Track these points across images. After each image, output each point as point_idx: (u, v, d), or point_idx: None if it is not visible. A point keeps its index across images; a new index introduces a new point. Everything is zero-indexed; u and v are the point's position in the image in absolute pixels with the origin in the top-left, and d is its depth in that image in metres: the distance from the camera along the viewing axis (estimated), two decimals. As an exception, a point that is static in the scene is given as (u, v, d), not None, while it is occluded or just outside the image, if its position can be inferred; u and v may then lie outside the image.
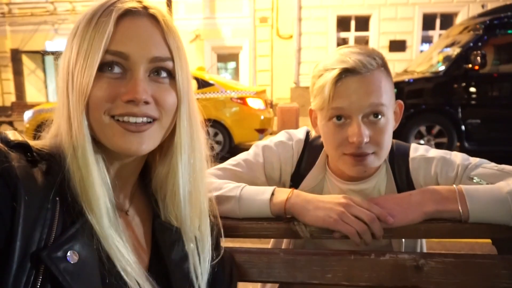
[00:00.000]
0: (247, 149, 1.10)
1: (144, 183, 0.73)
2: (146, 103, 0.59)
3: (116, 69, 0.59)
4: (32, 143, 0.58)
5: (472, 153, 0.97)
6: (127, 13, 0.59)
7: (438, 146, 5.34)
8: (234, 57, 12.61)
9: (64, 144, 0.58)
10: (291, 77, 11.43)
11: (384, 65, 0.91)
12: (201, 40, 12.00)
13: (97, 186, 0.57)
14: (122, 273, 0.58)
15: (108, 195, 0.59)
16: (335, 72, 0.87)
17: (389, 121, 0.91)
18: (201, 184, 0.69)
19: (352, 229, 0.80)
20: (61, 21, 12.63)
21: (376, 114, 0.88)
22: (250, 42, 11.93)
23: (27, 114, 6.80)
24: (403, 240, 0.98)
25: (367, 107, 0.87)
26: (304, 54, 11.28)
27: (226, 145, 6.17)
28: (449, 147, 5.36)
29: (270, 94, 11.12)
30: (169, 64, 0.61)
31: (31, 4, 12.71)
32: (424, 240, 1.05)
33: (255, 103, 6.28)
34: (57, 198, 0.54)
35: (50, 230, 0.52)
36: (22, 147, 0.56)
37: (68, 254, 0.52)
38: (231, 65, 13.07)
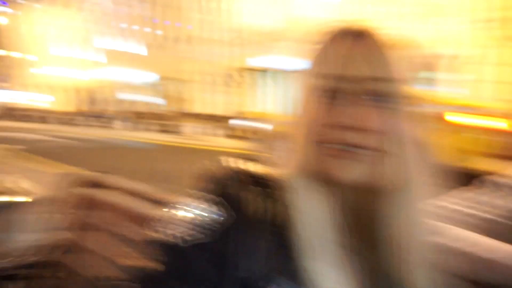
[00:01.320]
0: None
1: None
2: (360, 130, 0.54)
3: (334, 95, 0.57)
4: (253, 169, 0.61)
5: None
6: (346, 36, 0.58)
7: None
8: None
9: (284, 171, 0.58)
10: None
11: None
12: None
13: (313, 218, 0.55)
14: None
15: (326, 229, 0.55)
16: None
17: None
18: (419, 229, 0.58)
19: None
20: (274, 40, 14.57)
21: None
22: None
23: (245, 123, 8.06)
24: None
25: None
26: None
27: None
28: None
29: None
30: (384, 85, 0.56)
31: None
32: None
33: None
34: (273, 228, 0.54)
35: (266, 259, 0.53)
36: (244, 174, 0.59)
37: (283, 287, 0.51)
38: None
